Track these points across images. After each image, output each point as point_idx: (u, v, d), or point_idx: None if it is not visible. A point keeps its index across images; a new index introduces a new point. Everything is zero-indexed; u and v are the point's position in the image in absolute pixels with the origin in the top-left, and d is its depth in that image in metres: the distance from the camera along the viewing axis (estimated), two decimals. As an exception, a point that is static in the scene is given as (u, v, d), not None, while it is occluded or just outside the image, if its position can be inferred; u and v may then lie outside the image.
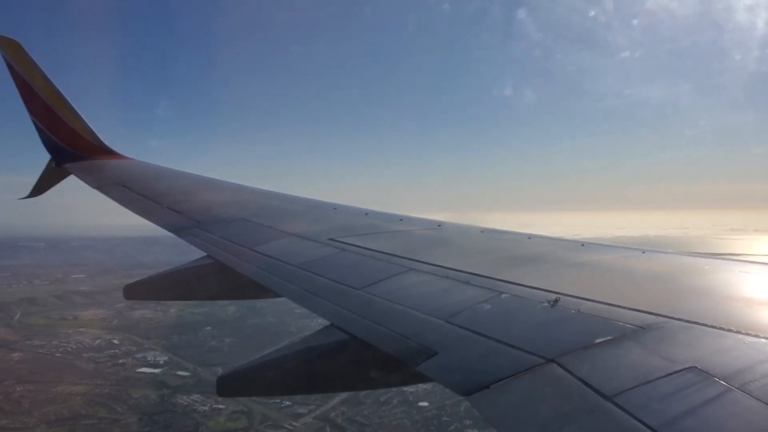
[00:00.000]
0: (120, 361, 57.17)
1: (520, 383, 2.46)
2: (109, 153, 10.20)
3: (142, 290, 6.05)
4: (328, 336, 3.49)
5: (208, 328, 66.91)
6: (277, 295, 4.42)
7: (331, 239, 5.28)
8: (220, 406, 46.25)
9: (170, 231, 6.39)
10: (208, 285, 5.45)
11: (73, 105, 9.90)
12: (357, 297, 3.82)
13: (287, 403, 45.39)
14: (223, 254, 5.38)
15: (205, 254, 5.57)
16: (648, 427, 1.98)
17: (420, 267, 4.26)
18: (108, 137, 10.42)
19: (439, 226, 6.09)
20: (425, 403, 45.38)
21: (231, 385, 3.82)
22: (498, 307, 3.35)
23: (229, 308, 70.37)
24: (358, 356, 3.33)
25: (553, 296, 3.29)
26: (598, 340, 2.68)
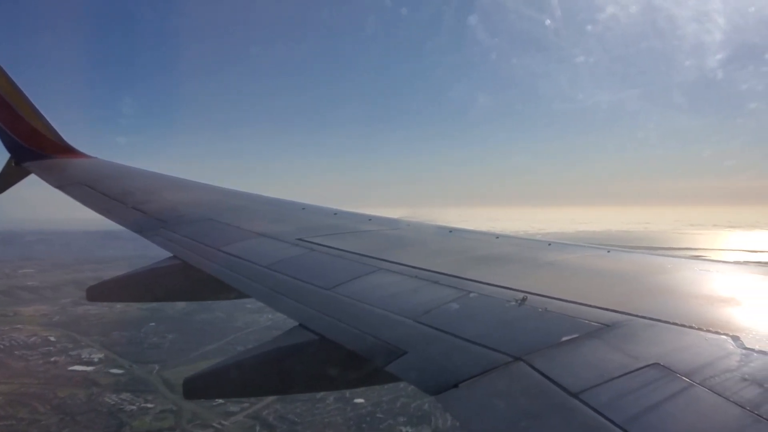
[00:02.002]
0: (52, 359, 54.79)
1: (488, 382, 2.47)
2: (71, 152, 9.89)
3: (105, 292, 5.87)
4: (297, 336, 3.43)
5: (152, 324, 64.83)
6: (245, 296, 4.37)
7: (299, 239, 5.24)
8: (149, 405, 44.58)
9: (135, 231, 6.19)
10: (174, 286, 5.32)
11: (33, 102, 9.51)
12: (326, 297, 3.80)
13: (220, 401, 43.91)
14: (190, 255, 5.26)
15: (171, 255, 5.40)
16: (613, 423, 2.01)
17: (389, 267, 4.26)
18: (72, 135, 9.83)
19: (408, 226, 6.12)
20: (361, 400, 44.24)
21: (197, 388, 3.74)
22: (466, 306, 3.37)
23: (178, 303, 68.24)
24: (328, 356, 3.29)
25: (521, 295, 3.33)
26: (565, 338, 2.72)
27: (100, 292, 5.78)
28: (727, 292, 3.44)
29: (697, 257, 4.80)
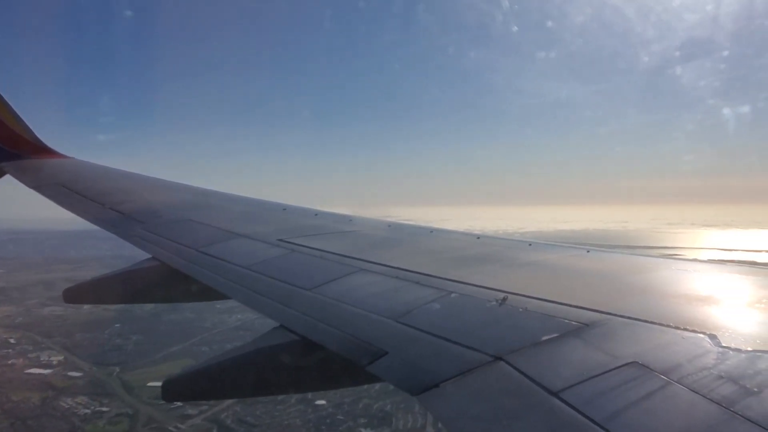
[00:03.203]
0: (10, 362, 53.11)
1: (468, 381, 2.48)
2: (48, 152, 9.82)
3: (82, 293, 5.75)
4: (278, 337, 3.42)
5: (118, 325, 63.25)
6: (225, 297, 4.35)
7: (280, 240, 5.24)
8: (104, 409, 43.42)
9: (113, 233, 6.11)
10: (153, 288, 5.27)
11: (8, 100, 9.37)
12: (307, 298, 3.80)
13: (178, 403, 42.91)
14: (169, 256, 5.21)
15: (149, 256, 5.34)
16: (592, 421, 2.04)
17: (370, 267, 4.27)
18: (48, 134, 9.47)
19: (389, 226, 6.17)
20: (322, 402, 43.43)
21: (176, 390, 3.73)
22: (447, 306, 3.39)
23: (147, 304, 67.09)
24: (309, 357, 3.28)
25: (501, 295, 3.35)
26: (545, 338, 2.74)
27: (77, 293, 5.65)
28: (704, 292, 3.48)
29: (674, 255, 4.48)
